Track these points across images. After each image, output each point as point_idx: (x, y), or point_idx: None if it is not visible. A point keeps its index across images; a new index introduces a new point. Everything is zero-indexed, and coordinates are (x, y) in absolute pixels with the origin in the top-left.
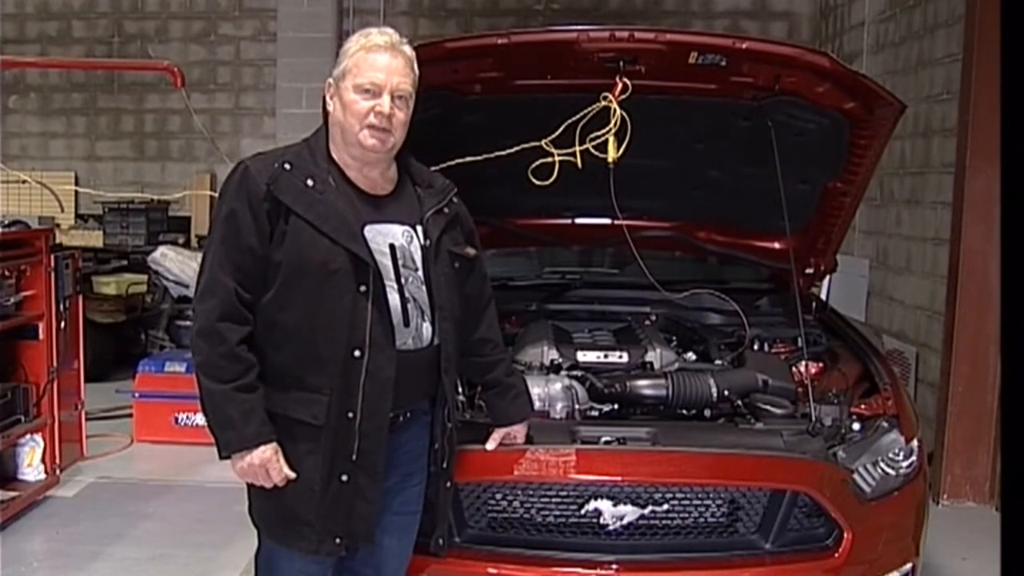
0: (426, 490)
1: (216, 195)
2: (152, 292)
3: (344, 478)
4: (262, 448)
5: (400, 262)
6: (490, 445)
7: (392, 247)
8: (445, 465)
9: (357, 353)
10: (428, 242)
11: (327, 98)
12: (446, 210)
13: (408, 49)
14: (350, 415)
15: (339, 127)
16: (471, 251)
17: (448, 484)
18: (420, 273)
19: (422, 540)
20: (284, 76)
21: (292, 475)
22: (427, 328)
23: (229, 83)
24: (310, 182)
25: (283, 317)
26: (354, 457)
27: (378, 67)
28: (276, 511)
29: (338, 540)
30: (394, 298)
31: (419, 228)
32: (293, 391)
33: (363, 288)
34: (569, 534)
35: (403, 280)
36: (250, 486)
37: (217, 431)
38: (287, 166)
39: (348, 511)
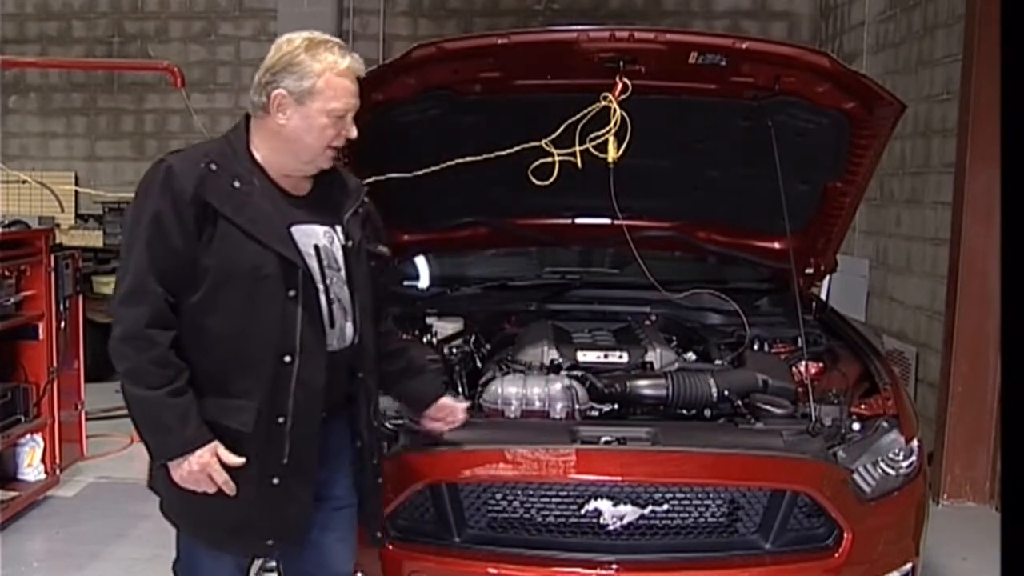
0: (358, 486)
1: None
2: None
3: (275, 481)
4: (199, 452)
5: (325, 263)
6: (435, 425)
7: (316, 248)
8: (375, 461)
9: (287, 359)
10: (350, 242)
11: (275, 109)
12: (360, 210)
13: (357, 65)
14: (280, 420)
15: (292, 142)
16: (385, 249)
17: (379, 480)
18: (343, 273)
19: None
20: None
21: (239, 461)
22: (349, 328)
23: (229, 83)
24: (237, 183)
25: (210, 321)
26: (285, 461)
27: (350, 93)
28: (206, 515)
29: (269, 542)
30: (322, 300)
31: (339, 228)
32: (222, 397)
33: (292, 293)
34: (569, 534)
35: (328, 281)
36: (160, 486)
37: (152, 438)
38: (213, 166)
39: (280, 514)
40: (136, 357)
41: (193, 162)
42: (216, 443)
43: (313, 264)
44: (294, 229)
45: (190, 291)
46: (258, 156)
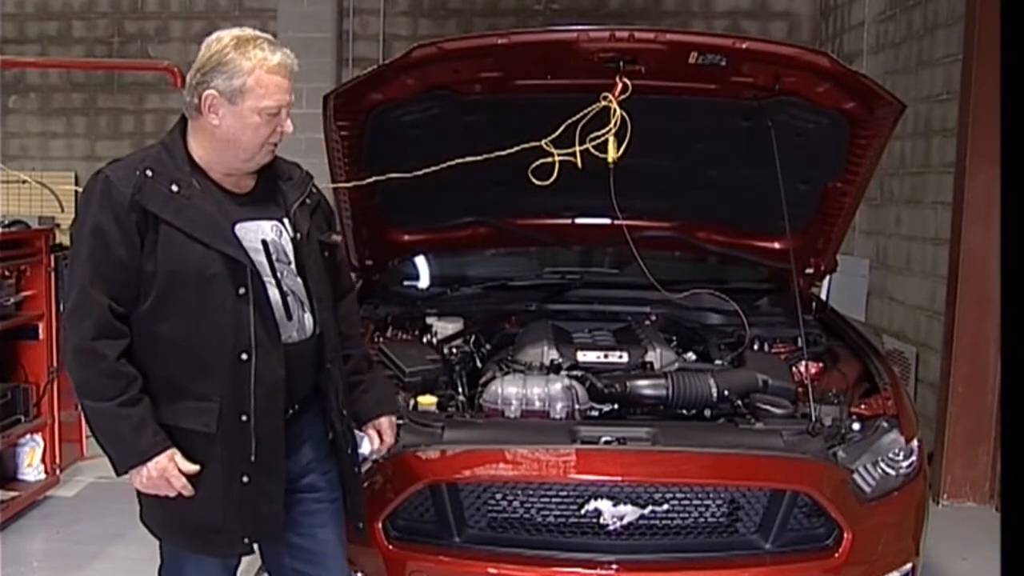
0: (339, 477)
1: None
2: None
3: (245, 479)
4: (156, 459)
5: (274, 257)
6: (363, 449)
7: (264, 243)
8: (349, 451)
9: (244, 356)
10: (298, 235)
11: (207, 110)
12: (308, 200)
13: (289, 60)
14: (243, 418)
15: (227, 142)
16: (337, 237)
17: (356, 470)
18: (293, 266)
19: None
20: None
21: (194, 468)
22: (308, 318)
23: None
24: (175, 187)
25: (163, 328)
26: (253, 459)
27: (283, 89)
28: (181, 520)
29: (247, 540)
30: (274, 294)
31: (287, 221)
32: (181, 401)
33: (242, 291)
34: (569, 534)
35: (279, 275)
36: (142, 495)
37: (110, 449)
38: (149, 172)
39: (254, 512)
40: (85, 371)
41: (129, 170)
42: (173, 450)
43: (261, 259)
44: (239, 227)
45: (140, 299)
46: (197, 157)
